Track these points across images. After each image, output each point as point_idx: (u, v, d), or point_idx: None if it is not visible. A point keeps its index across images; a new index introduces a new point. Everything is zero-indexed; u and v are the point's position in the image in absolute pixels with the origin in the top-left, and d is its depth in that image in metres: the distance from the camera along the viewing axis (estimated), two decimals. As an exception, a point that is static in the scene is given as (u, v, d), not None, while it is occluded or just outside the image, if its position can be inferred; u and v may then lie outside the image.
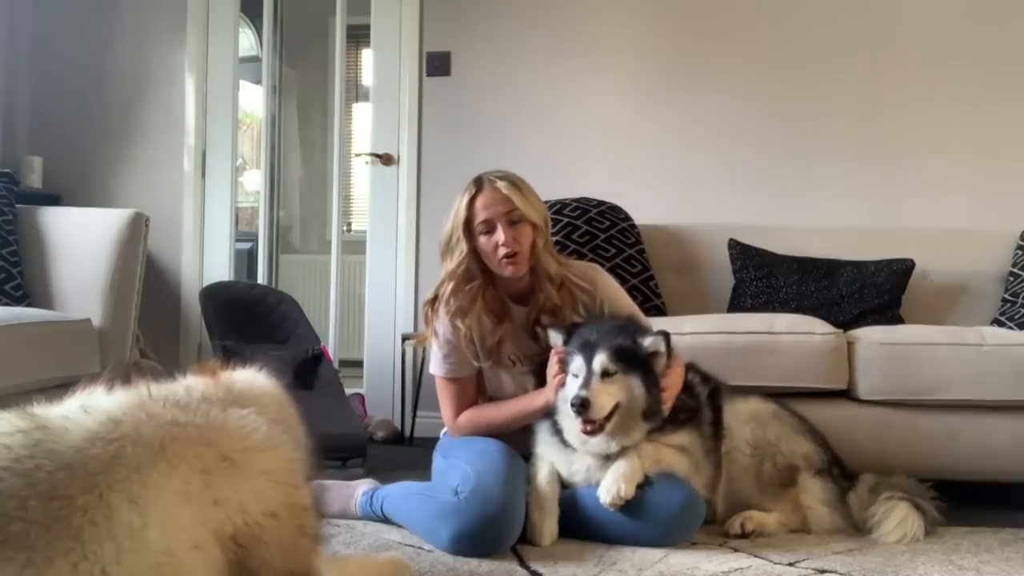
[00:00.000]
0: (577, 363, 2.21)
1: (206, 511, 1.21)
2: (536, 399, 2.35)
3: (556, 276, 2.41)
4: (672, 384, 2.27)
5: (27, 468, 1.11)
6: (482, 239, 2.35)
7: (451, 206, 2.41)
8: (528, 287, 2.44)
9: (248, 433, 1.32)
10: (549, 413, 2.31)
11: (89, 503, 1.12)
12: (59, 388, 1.30)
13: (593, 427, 2.17)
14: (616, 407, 2.18)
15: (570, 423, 2.23)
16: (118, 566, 1.11)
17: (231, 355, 3.04)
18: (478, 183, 2.38)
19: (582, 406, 2.13)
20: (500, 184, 2.35)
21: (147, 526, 1.14)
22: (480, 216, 2.35)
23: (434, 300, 2.43)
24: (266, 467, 1.31)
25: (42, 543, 1.08)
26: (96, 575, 1.09)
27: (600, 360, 2.18)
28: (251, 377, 1.53)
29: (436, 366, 2.45)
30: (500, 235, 2.32)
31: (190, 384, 1.38)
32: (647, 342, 2.23)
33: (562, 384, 2.26)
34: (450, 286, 2.38)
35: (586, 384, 2.16)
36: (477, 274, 2.38)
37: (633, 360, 2.21)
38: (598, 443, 2.21)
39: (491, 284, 2.42)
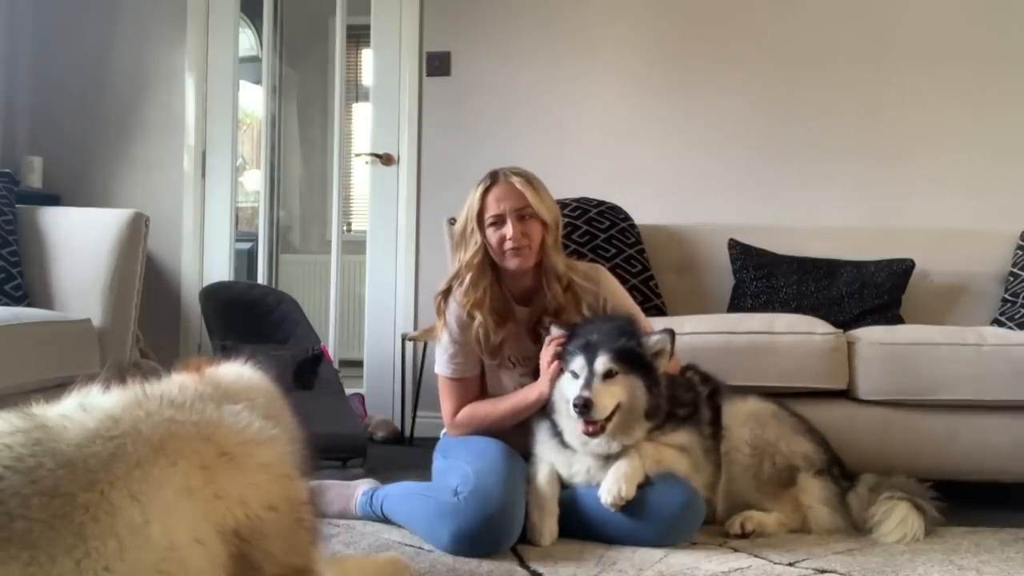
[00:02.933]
0: (578, 363, 2.20)
1: (207, 505, 1.21)
2: (530, 392, 2.34)
3: (563, 276, 2.42)
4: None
5: (29, 466, 1.11)
6: (489, 230, 2.37)
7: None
8: (533, 286, 2.44)
9: (243, 428, 1.32)
10: (547, 414, 2.30)
11: (91, 500, 1.12)
12: (59, 388, 1.30)
13: (595, 428, 2.16)
14: (617, 407, 2.18)
15: (569, 424, 2.23)
16: (121, 562, 1.11)
17: (231, 355, 3.04)
18: (493, 176, 2.41)
19: (584, 407, 2.12)
20: (515, 179, 2.37)
21: (149, 522, 1.14)
22: (491, 209, 2.36)
23: (447, 292, 2.43)
24: (263, 460, 1.32)
25: (45, 541, 1.08)
26: (99, 572, 1.09)
27: (602, 361, 2.17)
28: (237, 371, 1.54)
29: (442, 366, 2.44)
30: (508, 229, 2.33)
31: (182, 382, 1.39)
32: (653, 340, 2.23)
33: (558, 373, 2.25)
34: (468, 277, 2.39)
35: (587, 385, 2.15)
36: (488, 270, 2.39)
37: (635, 360, 2.20)
38: (599, 443, 2.20)
39: (498, 282, 2.42)
